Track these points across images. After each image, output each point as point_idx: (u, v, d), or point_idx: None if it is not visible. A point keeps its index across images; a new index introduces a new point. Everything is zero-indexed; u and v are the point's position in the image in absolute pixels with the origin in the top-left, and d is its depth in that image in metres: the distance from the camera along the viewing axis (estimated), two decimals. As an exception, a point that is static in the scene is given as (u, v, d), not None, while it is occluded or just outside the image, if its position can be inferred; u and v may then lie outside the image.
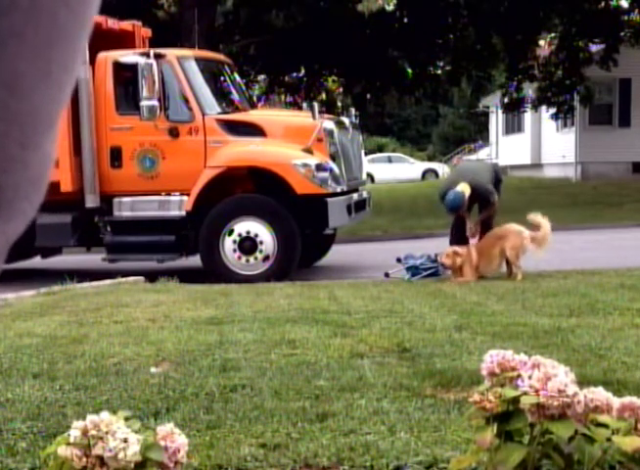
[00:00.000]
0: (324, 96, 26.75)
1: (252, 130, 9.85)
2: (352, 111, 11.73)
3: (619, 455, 2.32)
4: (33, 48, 0.59)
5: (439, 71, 24.21)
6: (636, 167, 26.28)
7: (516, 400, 2.32)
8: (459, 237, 9.08)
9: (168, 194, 9.79)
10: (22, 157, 0.61)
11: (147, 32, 11.24)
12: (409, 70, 22.45)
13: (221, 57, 12.06)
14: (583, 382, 2.87)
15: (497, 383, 2.43)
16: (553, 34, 23.72)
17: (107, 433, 2.24)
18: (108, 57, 9.86)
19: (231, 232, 9.61)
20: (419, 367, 4.37)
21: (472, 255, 8.30)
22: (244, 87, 12.27)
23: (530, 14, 20.13)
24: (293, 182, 9.45)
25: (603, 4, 21.47)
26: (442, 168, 37.95)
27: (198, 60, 10.45)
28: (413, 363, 4.49)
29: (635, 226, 15.26)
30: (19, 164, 0.61)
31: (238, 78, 11.84)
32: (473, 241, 8.85)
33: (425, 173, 39.84)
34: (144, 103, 9.43)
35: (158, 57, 9.63)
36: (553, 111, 23.38)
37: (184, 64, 10.03)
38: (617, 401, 2.39)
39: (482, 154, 41.65)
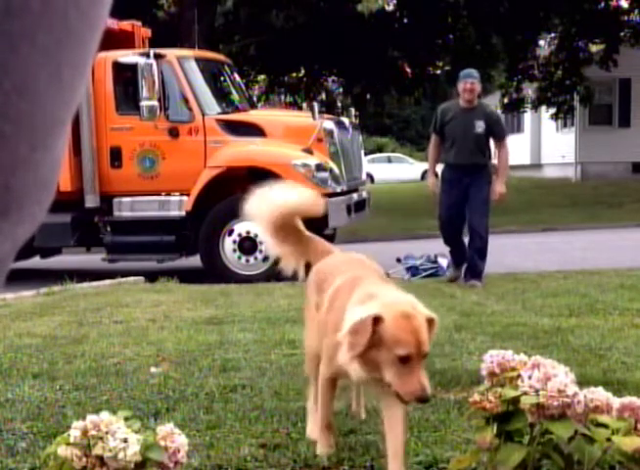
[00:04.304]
0: (324, 96, 26.76)
1: (252, 130, 9.85)
2: (352, 111, 11.73)
3: (619, 455, 2.31)
4: (44, 51, 0.58)
5: (439, 72, 24.23)
6: (636, 167, 26.29)
7: (516, 400, 2.32)
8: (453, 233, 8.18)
9: (168, 194, 9.80)
10: (32, 159, 0.61)
11: (146, 32, 11.24)
12: (409, 70, 22.47)
13: (221, 57, 12.06)
14: (583, 382, 2.87)
15: (497, 383, 2.43)
16: (553, 34, 23.73)
17: (107, 433, 2.23)
18: (107, 57, 9.86)
19: (231, 232, 9.61)
20: (419, 367, 4.36)
21: None
22: (244, 87, 12.27)
23: (530, 14, 20.14)
24: (293, 182, 9.43)
25: (603, 4, 21.48)
26: (441, 169, 37.89)
27: (198, 60, 10.45)
28: (413, 363, 4.48)
29: (635, 226, 15.27)
30: (29, 166, 0.61)
31: (238, 78, 11.84)
32: None
33: (424, 174, 39.82)
34: (144, 103, 9.43)
35: (158, 57, 9.63)
36: (553, 111, 23.39)
37: (184, 64, 10.03)
38: (616, 401, 2.39)
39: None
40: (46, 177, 0.64)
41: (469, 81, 7.92)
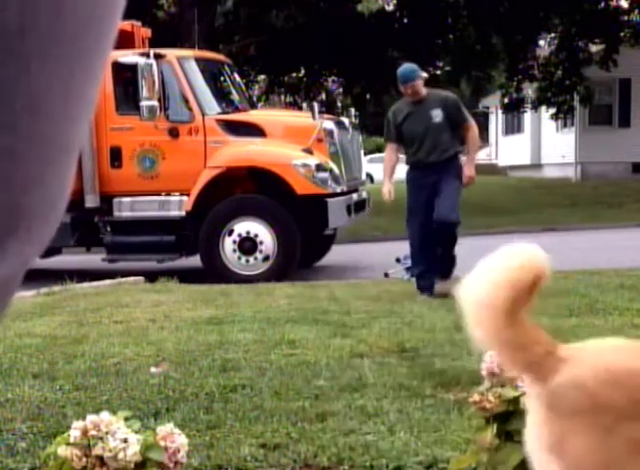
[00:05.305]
0: (324, 96, 26.76)
1: (252, 130, 9.85)
2: (352, 111, 11.73)
3: (619, 455, 2.31)
4: (55, 72, 0.59)
5: (439, 72, 24.22)
6: (636, 167, 26.28)
7: (516, 401, 2.32)
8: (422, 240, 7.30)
9: (168, 194, 9.80)
10: (43, 178, 0.62)
11: (146, 32, 11.23)
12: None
13: (221, 57, 12.06)
14: (583, 382, 2.86)
15: (497, 383, 2.43)
16: (553, 34, 23.73)
17: (107, 433, 2.23)
18: (107, 57, 9.85)
19: (231, 232, 9.61)
20: (419, 367, 4.37)
21: None
22: (244, 87, 12.27)
23: (530, 14, 20.13)
24: (293, 182, 9.45)
25: (603, 4, 21.48)
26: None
27: (198, 60, 10.46)
28: (413, 363, 4.49)
29: (635, 226, 15.27)
30: (39, 185, 0.62)
31: (238, 78, 11.84)
32: None
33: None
34: (144, 103, 9.43)
35: (158, 57, 9.63)
36: (553, 111, 23.39)
37: (184, 64, 10.04)
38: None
39: (482, 154, 41.64)
40: (55, 197, 0.65)
41: (408, 86, 7.19)
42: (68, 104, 0.61)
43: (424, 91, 7.30)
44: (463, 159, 7.55)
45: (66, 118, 0.61)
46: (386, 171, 7.71)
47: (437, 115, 7.19)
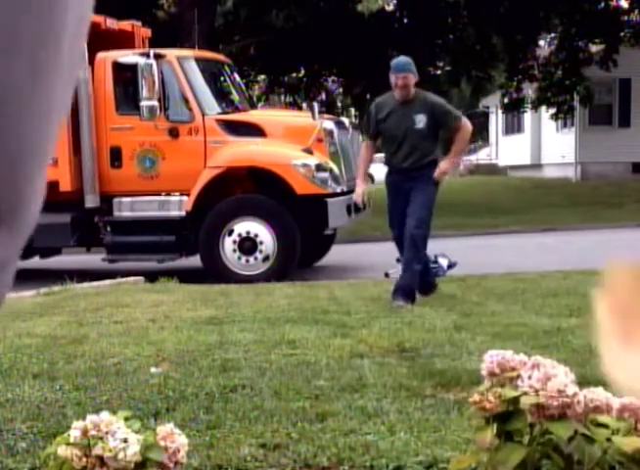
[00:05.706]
0: (324, 96, 26.76)
1: (252, 130, 9.85)
2: (352, 111, 11.73)
3: (619, 456, 2.31)
4: (17, 70, 0.59)
5: (439, 72, 24.23)
6: (636, 167, 26.28)
7: (516, 401, 2.32)
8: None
9: (168, 194, 9.80)
10: (6, 175, 0.62)
11: (146, 32, 11.24)
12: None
13: (221, 57, 12.07)
14: (583, 382, 2.87)
15: (497, 383, 2.43)
16: (553, 34, 23.74)
17: (107, 433, 2.23)
18: (107, 57, 9.87)
19: (231, 232, 9.61)
20: (419, 367, 4.37)
21: None
22: (244, 87, 12.27)
23: (530, 14, 20.15)
24: (293, 182, 9.45)
25: (603, 4, 21.49)
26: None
27: (198, 60, 10.46)
28: (413, 363, 4.49)
29: (635, 226, 15.27)
30: (7, 185, 0.62)
31: (238, 78, 11.84)
32: None
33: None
34: (144, 103, 9.44)
35: (157, 57, 9.63)
36: (553, 111, 23.40)
37: (184, 64, 10.04)
38: (616, 402, 2.39)
39: (482, 154, 41.66)
40: (23, 197, 0.65)
41: (400, 76, 6.66)
42: (34, 105, 0.61)
43: (413, 91, 6.84)
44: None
45: (31, 119, 0.62)
46: (359, 171, 7.31)
47: (421, 120, 6.77)
